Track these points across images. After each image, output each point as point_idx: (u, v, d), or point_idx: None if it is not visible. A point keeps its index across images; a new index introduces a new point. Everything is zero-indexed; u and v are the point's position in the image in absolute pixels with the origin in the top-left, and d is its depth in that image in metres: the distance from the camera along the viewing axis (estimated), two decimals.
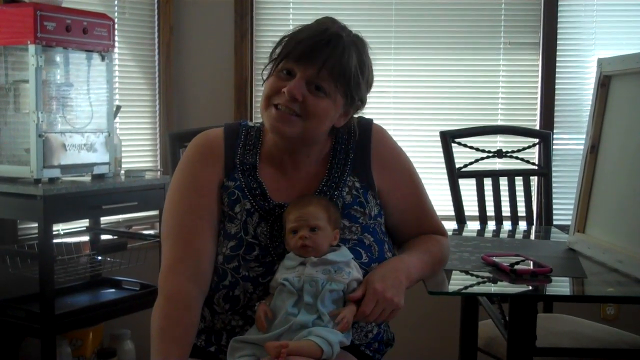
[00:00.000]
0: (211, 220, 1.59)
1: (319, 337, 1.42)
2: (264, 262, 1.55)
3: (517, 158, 2.68)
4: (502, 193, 2.67)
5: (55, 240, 2.66)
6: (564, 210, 3.09)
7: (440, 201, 3.30)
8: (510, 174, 2.69)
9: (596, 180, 1.94)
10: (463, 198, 2.65)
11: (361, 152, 1.66)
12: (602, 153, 1.93)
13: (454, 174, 2.64)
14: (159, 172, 3.18)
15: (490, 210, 2.66)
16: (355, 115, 1.67)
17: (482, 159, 2.67)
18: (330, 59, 1.52)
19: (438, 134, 2.67)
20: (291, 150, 1.62)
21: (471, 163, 2.66)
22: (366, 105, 1.66)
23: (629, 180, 1.79)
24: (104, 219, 3.10)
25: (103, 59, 2.74)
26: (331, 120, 1.58)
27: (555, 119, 3.37)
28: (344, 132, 1.67)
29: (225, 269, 1.55)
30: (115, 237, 3.11)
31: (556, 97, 3.36)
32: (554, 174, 2.71)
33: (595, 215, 1.93)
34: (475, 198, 2.65)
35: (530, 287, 1.66)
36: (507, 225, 2.64)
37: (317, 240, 1.51)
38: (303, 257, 1.51)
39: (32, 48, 2.46)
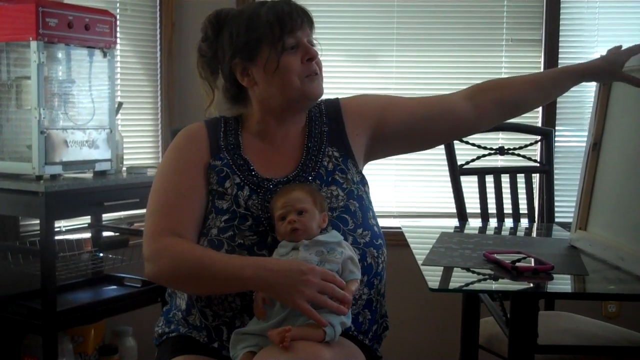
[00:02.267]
0: (195, 199, 1.65)
1: None
2: (257, 231, 1.60)
3: (519, 155, 2.67)
4: (504, 190, 2.66)
5: (57, 237, 2.66)
6: (565, 207, 3.09)
7: (442, 198, 3.32)
8: (512, 171, 2.68)
9: (598, 177, 1.94)
10: (465, 195, 2.65)
11: (335, 124, 1.76)
12: (604, 151, 1.92)
13: (456, 171, 2.64)
14: None
15: (492, 208, 2.65)
16: None
17: (484, 156, 2.66)
18: (307, 15, 1.67)
19: None
20: (303, 115, 1.73)
21: (473, 160, 2.66)
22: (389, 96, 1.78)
23: (631, 178, 1.78)
24: (106, 216, 3.11)
25: (105, 55, 2.74)
26: None
27: (557, 116, 3.37)
28: (314, 109, 1.78)
29: (221, 239, 1.59)
30: (117, 233, 3.11)
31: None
32: (555, 171, 2.71)
33: (597, 212, 1.92)
34: (477, 195, 2.65)
35: (532, 285, 1.66)
36: (508, 222, 2.64)
37: (306, 223, 1.54)
38: (294, 241, 1.53)
39: (34, 44, 2.46)
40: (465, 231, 2.40)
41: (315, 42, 1.70)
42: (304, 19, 1.66)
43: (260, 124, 1.73)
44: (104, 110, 2.76)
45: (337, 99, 1.82)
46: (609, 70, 1.75)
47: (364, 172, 1.78)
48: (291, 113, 1.71)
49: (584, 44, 3.36)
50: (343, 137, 1.74)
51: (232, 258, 1.53)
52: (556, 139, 3.11)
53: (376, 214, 1.74)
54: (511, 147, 2.68)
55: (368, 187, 1.76)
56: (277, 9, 1.64)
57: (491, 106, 1.80)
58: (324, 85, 1.71)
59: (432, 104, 1.82)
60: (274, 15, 1.63)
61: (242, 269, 1.47)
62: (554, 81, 1.82)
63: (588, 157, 1.95)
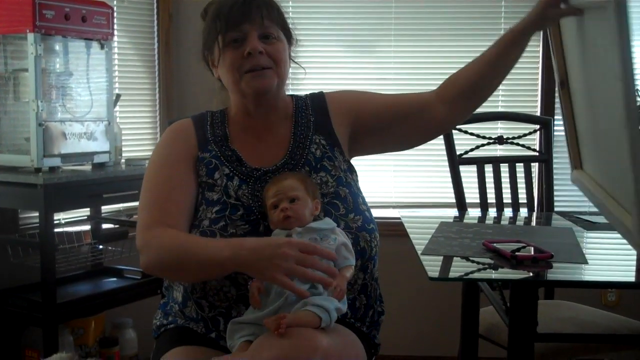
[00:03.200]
0: (186, 192, 1.65)
1: (316, 305, 1.42)
2: (249, 220, 1.60)
3: (518, 144, 2.67)
4: (503, 179, 2.66)
5: (56, 230, 2.66)
6: (564, 196, 3.09)
7: (441, 188, 3.32)
8: (511, 161, 2.68)
9: (576, 114, 1.91)
10: (464, 185, 2.64)
11: (321, 114, 1.76)
12: (573, 87, 1.89)
13: (455, 161, 2.64)
14: None
15: (491, 197, 2.65)
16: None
17: (483, 145, 2.66)
18: (263, 7, 1.64)
19: None
20: (267, 108, 1.70)
21: (472, 150, 2.65)
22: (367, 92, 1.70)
23: (599, 110, 1.69)
24: (105, 208, 3.11)
25: (102, 47, 2.74)
26: (287, 61, 1.70)
27: (556, 105, 3.36)
28: (301, 101, 1.78)
29: (213, 230, 1.59)
30: (116, 225, 3.11)
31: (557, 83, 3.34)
32: (554, 160, 2.70)
33: (584, 150, 1.87)
34: (476, 185, 2.65)
35: (531, 273, 1.66)
36: (508, 211, 2.64)
37: (298, 210, 1.54)
38: (287, 229, 1.54)
39: (31, 37, 2.45)
40: (465, 221, 2.40)
41: (276, 33, 1.66)
42: (252, 11, 1.63)
43: (239, 115, 1.74)
44: (102, 102, 2.76)
45: (321, 92, 1.83)
46: (545, 15, 1.69)
47: (356, 163, 1.78)
48: (253, 106, 1.70)
49: None
50: (328, 127, 1.75)
51: (212, 241, 1.54)
52: (555, 127, 3.10)
53: (375, 204, 1.74)
54: (510, 137, 2.68)
55: (356, 175, 1.76)
56: (223, 2, 1.65)
57: (456, 97, 1.79)
58: (318, 76, 1.71)
59: (407, 101, 1.82)
60: (218, 8, 1.65)
61: (221, 250, 1.47)
62: (502, 49, 1.79)
63: (560, 97, 1.93)
